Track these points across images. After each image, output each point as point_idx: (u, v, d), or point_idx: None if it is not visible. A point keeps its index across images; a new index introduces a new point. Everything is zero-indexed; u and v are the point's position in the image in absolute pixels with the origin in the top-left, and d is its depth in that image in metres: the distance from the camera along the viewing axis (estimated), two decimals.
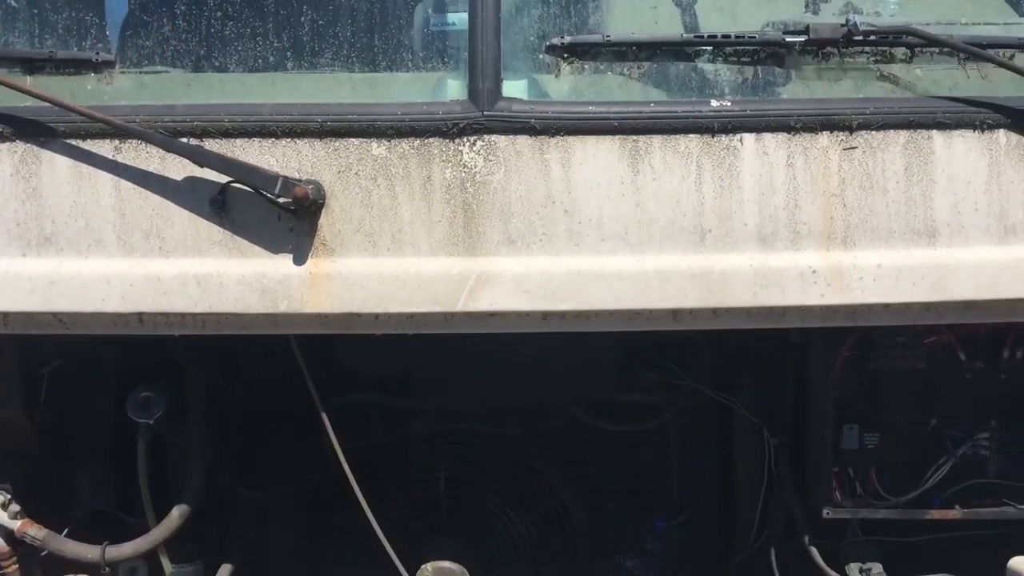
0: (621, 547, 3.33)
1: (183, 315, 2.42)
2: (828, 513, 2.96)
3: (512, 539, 3.17)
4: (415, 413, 3.23)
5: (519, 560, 3.18)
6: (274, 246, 2.40)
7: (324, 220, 2.39)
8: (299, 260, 2.40)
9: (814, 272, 2.42)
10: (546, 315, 2.45)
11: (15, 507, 2.81)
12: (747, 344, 3.20)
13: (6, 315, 2.46)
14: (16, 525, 2.79)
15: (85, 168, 2.39)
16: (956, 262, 2.44)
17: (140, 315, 2.43)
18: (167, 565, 2.96)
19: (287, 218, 2.39)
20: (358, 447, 2.90)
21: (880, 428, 2.96)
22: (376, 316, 2.44)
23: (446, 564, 3.01)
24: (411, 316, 2.44)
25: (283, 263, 2.39)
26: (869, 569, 3.07)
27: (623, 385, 3.24)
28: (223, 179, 2.35)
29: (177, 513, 2.84)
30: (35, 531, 2.79)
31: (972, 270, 2.45)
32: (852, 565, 3.07)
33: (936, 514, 2.97)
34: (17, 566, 2.82)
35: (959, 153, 2.42)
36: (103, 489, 3.08)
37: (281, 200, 2.34)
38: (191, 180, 2.38)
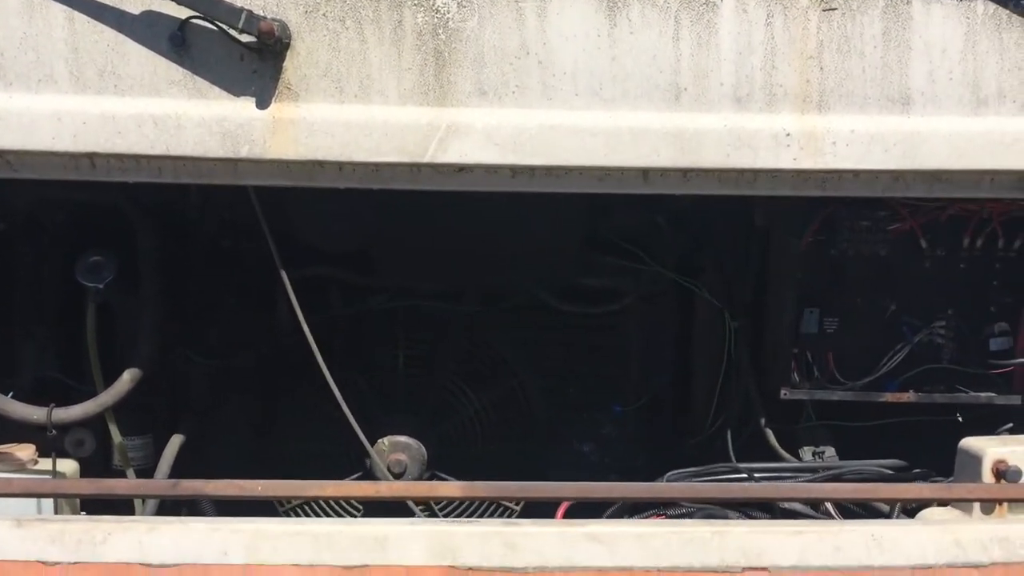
0: (578, 431, 3.34)
1: (138, 158, 2.32)
2: (786, 394, 2.99)
3: (469, 419, 3.15)
4: (374, 289, 3.18)
5: (476, 440, 3.16)
6: (236, 88, 2.30)
7: (289, 63, 2.30)
8: (262, 104, 2.31)
9: (788, 135, 2.40)
10: (515, 171, 2.39)
11: None
12: (710, 228, 3.20)
13: None
14: None
15: None
16: (928, 130, 2.43)
17: (92, 156, 2.33)
18: (116, 434, 2.89)
19: (250, 59, 2.29)
20: (316, 321, 2.84)
21: (840, 313, 2.99)
22: (340, 167, 2.37)
23: (402, 438, 2.99)
24: (377, 168, 2.36)
25: (245, 106, 2.30)
26: (823, 452, 3.11)
27: (585, 268, 3.22)
28: (183, 13, 2.24)
29: (128, 377, 2.76)
30: None
31: (943, 139, 2.44)
32: (806, 448, 3.12)
33: (891, 397, 3.01)
34: None
35: (937, 20, 2.40)
36: (50, 356, 2.99)
37: (244, 38, 2.24)
38: (149, 14, 2.27)
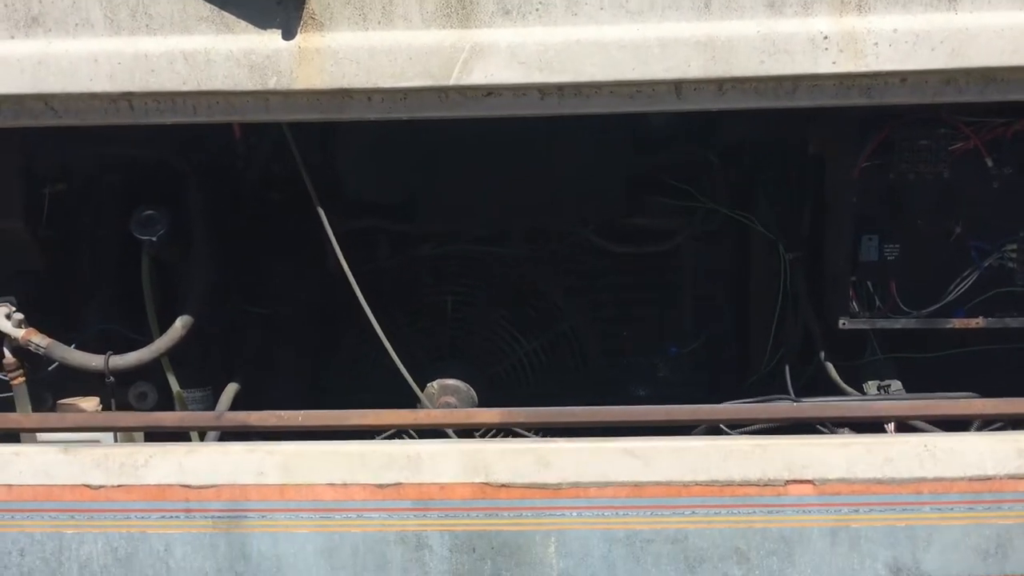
0: (634, 375, 3.27)
1: (172, 95, 2.37)
2: (844, 324, 2.87)
3: (520, 362, 3.12)
4: (421, 237, 3.18)
5: (527, 383, 3.13)
6: (262, 21, 2.33)
7: None
8: (288, 35, 2.33)
9: (825, 38, 2.30)
10: (543, 91, 2.36)
11: (19, 315, 2.81)
12: (762, 162, 3.11)
13: None
14: (20, 334, 2.79)
15: None
16: (977, 26, 2.30)
17: (129, 97, 2.39)
18: (174, 384, 2.96)
19: None
20: (365, 270, 2.86)
21: (901, 239, 2.86)
22: (368, 96, 2.37)
23: (452, 381, 2.98)
24: (404, 94, 2.36)
25: (272, 38, 2.33)
26: (888, 386, 2.98)
27: (636, 208, 3.16)
28: None
29: (180, 324, 2.82)
30: (39, 339, 2.79)
31: (994, 34, 2.31)
32: (870, 383, 2.99)
33: (958, 323, 2.86)
34: (24, 378, 2.82)
35: None
36: (111, 310, 3.08)
37: None
38: None
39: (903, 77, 2.36)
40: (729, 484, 2.10)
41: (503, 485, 2.10)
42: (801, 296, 3.00)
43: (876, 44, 2.31)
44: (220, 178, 2.99)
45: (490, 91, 2.35)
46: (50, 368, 2.86)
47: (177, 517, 2.11)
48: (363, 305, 2.65)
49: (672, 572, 2.07)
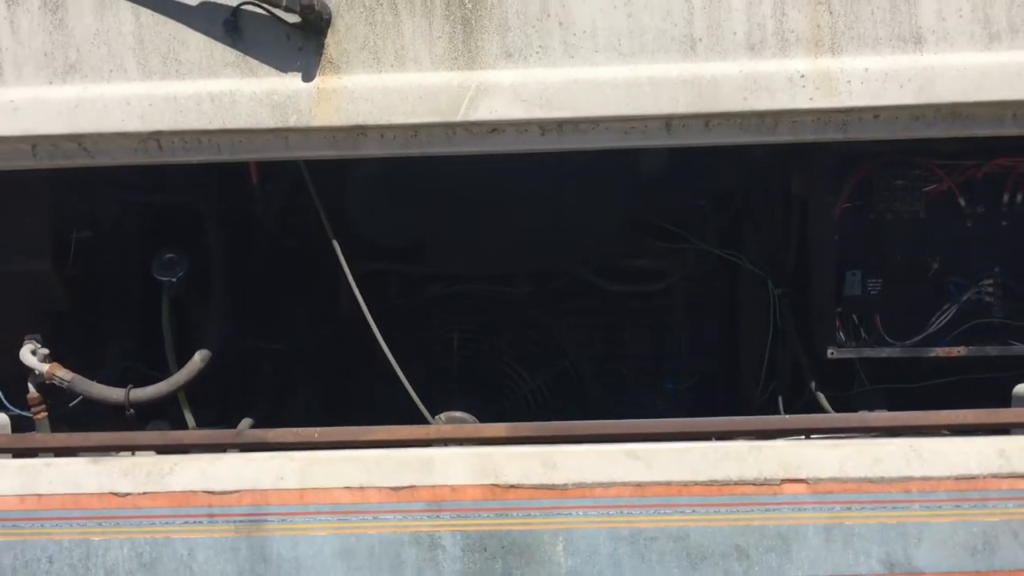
0: (632, 410, 3.38)
1: (199, 134, 2.55)
2: (833, 353, 3.00)
3: (524, 398, 3.24)
4: (430, 278, 3.34)
5: (531, 418, 3.24)
6: (284, 65, 2.53)
7: (330, 39, 2.52)
8: (307, 77, 2.53)
9: (803, 76, 2.51)
10: (543, 126, 2.54)
11: (44, 351, 2.94)
12: (750, 204, 3.29)
13: (35, 142, 2.60)
14: (45, 368, 2.91)
15: None
16: (941, 65, 2.51)
17: (158, 137, 2.57)
18: (190, 419, 3.06)
19: (296, 37, 2.52)
20: (376, 311, 3.01)
21: (883, 275, 3.02)
22: (381, 133, 2.56)
23: (458, 413, 3.09)
24: (415, 130, 2.54)
25: (292, 80, 2.52)
26: None
27: (632, 250, 3.34)
28: (235, 1, 2.50)
29: (198, 358, 2.95)
30: (63, 373, 2.91)
31: (957, 73, 2.51)
32: (861, 412, 3.11)
33: (941, 352, 3.00)
34: (46, 413, 2.93)
35: None
36: (133, 349, 3.21)
37: (290, 18, 2.48)
38: (206, 5, 2.53)
39: (875, 113, 2.56)
40: (727, 484, 2.21)
41: (512, 486, 2.20)
42: (790, 329, 3.14)
43: (849, 82, 2.51)
44: (238, 222, 3.15)
45: (494, 127, 2.54)
46: (71, 404, 2.97)
47: (200, 522, 2.20)
48: (378, 338, 2.78)
49: (676, 569, 2.16)
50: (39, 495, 2.25)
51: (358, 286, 2.92)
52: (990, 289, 3.03)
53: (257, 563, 2.19)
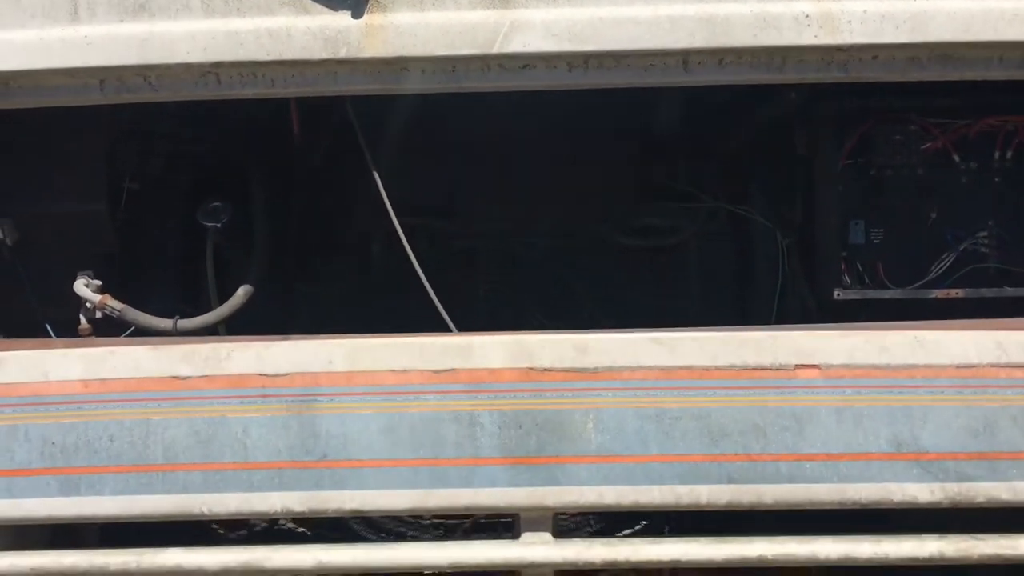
0: None
1: (255, 66, 2.78)
2: (839, 295, 3.20)
3: None
4: (456, 233, 3.55)
5: None
6: (335, 3, 2.77)
7: None
8: (357, 15, 2.76)
9: (807, 16, 2.75)
10: (571, 62, 2.78)
11: (96, 282, 3.12)
12: (757, 164, 3.52)
13: (104, 76, 2.82)
14: (97, 299, 3.09)
15: None
16: (934, 9, 2.76)
17: (218, 69, 2.79)
18: None
19: None
20: (405, 264, 3.21)
21: (884, 224, 3.23)
22: (423, 68, 2.79)
23: None
24: (453, 65, 2.77)
25: (343, 17, 2.76)
26: None
27: (644, 210, 3.56)
28: None
29: (242, 292, 3.13)
30: (114, 304, 3.08)
31: (947, 16, 2.76)
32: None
33: (940, 294, 3.20)
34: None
35: None
36: (176, 297, 3.39)
37: None
38: None
39: (874, 53, 2.79)
40: (745, 368, 2.38)
41: (546, 369, 2.37)
42: (797, 276, 3.34)
43: (850, 22, 2.75)
44: (279, 174, 3.37)
45: (526, 62, 2.77)
46: (124, 335, 3.14)
47: (254, 402, 2.36)
48: (421, 276, 2.97)
49: (698, 445, 2.32)
50: (102, 379, 2.41)
51: (388, 241, 3.13)
52: (985, 240, 3.24)
53: (307, 439, 2.34)
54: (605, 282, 3.54)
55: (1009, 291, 3.18)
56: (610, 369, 2.38)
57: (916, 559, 2.30)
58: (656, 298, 3.57)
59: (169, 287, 3.37)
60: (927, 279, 3.21)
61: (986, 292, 3.19)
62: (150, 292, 3.34)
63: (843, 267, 3.20)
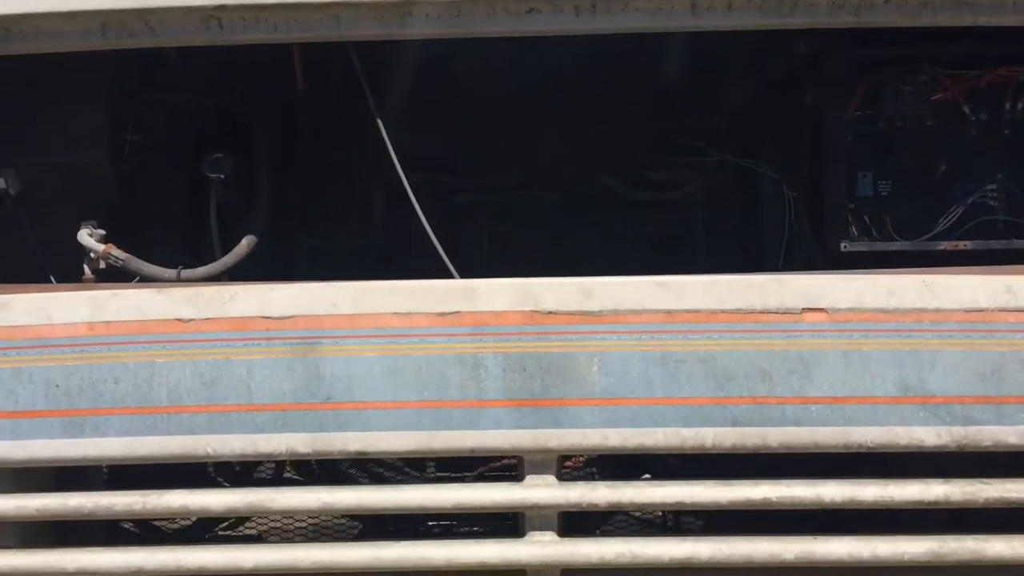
0: None
1: (258, 9, 2.74)
2: (846, 246, 3.18)
3: None
4: (460, 187, 3.52)
5: None
6: None
7: None
8: None
9: None
10: (578, 6, 2.74)
11: (100, 232, 3.11)
12: (765, 118, 3.49)
13: (105, 19, 2.79)
14: (101, 248, 3.08)
15: None
16: None
17: (221, 13, 2.76)
18: None
19: None
20: (410, 218, 3.19)
21: (892, 177, 3.20)
22: (426, 12, 2.75)
23: None
24: (458, 8, 2.74)
25: None
26: None
27: (651, 165, 3.53)
28: None
29: (246, 243, 3.12)
30: (118, 253, 3.07)
31: None
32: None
33: (948, 245, 3.18)
34: None
35: None
36: (178, 249, 3.38)
37: None
38: None
39: None
40: (752, 312, 2.36)
41: (551, 312, 2.35)
42: (804, 229, 3.31)
43: None
44: (281, 127, 3.35)
45: (532, 6, 2.73)
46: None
47: (259, 345, 2.35)
48: (424, 224, 2.96)
49: (703, 388, 2.31)
50: (106, 322, 2.40)
51: (391, 195, 3.11)
52: (994, 193, 3.21)
53: (311, 381, 2.33)
54: (610, 236, 3.52)
55: (1018, 243, 3.15)
56: (615, 312, 2.36)
57: (922, 502, 2.29)
58: (662, 252, 3.55)
59: (171, 239, 3.36)
60: (935, 232, 3.19)
61: (995, 244, 3.17)
62: (153, 244, 3.33)
63: (850, 219, 3.18)
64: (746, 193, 3.51)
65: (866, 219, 3.21)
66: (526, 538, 2.32)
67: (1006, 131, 3.19)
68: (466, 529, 2.69)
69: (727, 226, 3.54)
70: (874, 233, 3.20)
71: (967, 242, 3.17)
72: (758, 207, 3.46)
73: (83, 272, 3.11)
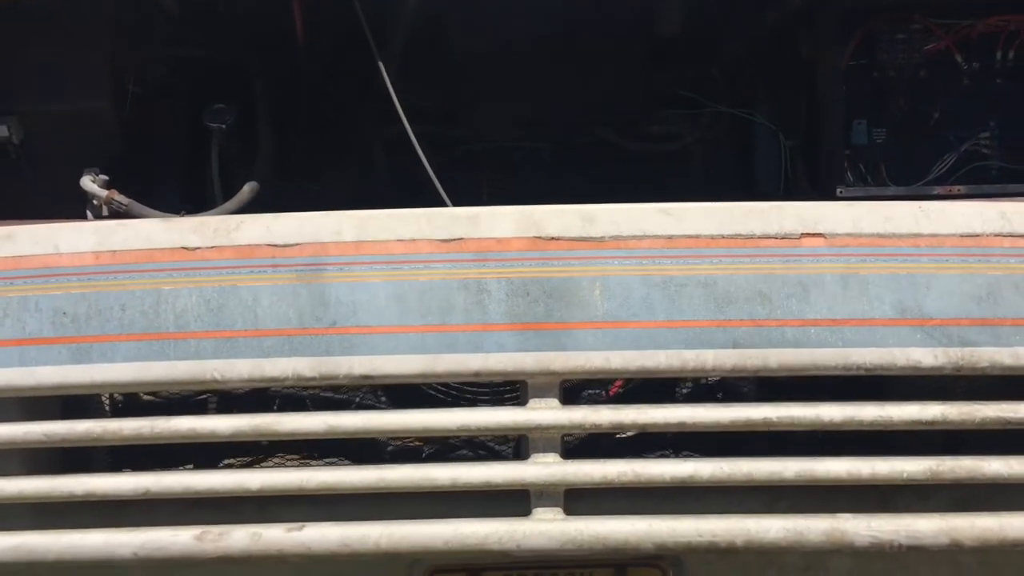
0: None
1: None
2: (842, 191, 3.23)
3: None
4: (459, 138, 3.55)
5: None
6: None
7: None
8: None
9: None
10: None
11: (103, 177, 3.13)
12: (760, 65, 3.53)
13: None
14: (105, 194, 3.10)
15: None
16: None
17: None
18: None
19: None
20: (410, 170, 3.23)
21: (887, 125, 3.25)
22: None
23: None
24: None
25: None
26: None
27: (648, 117, 3.57)
28: None
29: (247, 189, 3.16)
30: (121, 198, 3.10)
31: None
32: None
33: (941, 190, 3.23)
34: None
35: None
36: (179, 198, 3.40)
37: None
38: None
39: None
40: (751, 237, 2.39)
41: (553, 238, 2.38)
42: (801, 177, 3.36)
43: None
44: (283, 79, 3.37)
45: None
46: None
47: (264, 272, 2.37)
48: (428, 169, 2.98)
49: (703, 311, 2.34)
50: (113, 251, 2.42)
51: (391, 149, 3.14)
52: (987, 141, 3.26)
53: (317, 306, 2.36)
54: (608, 187, 3.55)
55: (1011, 187, 3.20)
56: (617, 238, 2.39)
57: (919, 422, 2.32)
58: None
59: (173, 188, 3.39)
60: (929, 178, 3.24)
61: (988, 188, 3.22)
62: (154, 194, 3.35)
63: (846, 166, 3.22)
64: (742, 144, 3.55)
65: (861, 167, 3.26)
66: (530, 459, 2.35)
67: (998, 80, 3.24)
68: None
69: (725, 176, 3.58)
70: (869, 180, 3.25)
71: (961, 187, 3.22)
72: (754, 157, 3.50)
73: (86, 218, 3.13)
